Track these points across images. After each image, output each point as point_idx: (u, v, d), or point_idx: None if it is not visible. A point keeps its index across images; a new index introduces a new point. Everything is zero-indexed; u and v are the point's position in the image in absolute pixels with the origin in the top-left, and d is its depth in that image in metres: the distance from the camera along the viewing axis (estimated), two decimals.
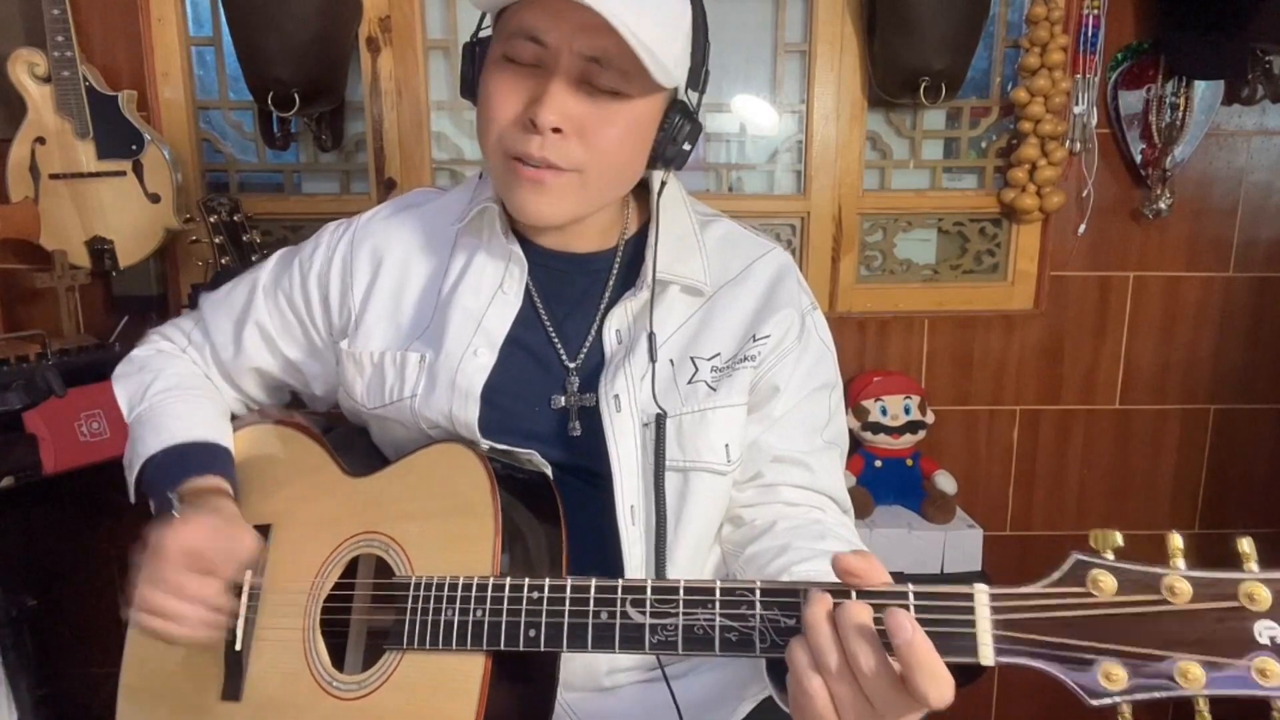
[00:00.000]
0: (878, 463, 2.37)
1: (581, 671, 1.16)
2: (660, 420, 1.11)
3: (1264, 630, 0.65)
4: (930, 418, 2.39)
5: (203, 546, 1.03)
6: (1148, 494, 2.56)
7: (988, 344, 2.48)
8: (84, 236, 2.19)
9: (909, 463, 2.38)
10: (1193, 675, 0.65)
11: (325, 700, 1.02)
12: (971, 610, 0.74)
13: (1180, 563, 0.68)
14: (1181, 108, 2.31)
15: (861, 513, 2.28)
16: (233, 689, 1.08)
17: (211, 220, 2.07)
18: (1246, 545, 0.67)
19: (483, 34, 1.13)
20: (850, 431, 2.27)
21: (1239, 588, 0.65)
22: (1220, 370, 2.50)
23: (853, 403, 2.37)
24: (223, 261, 2.07)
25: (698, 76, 1.11)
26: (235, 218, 2.09)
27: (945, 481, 2.35)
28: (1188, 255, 2.45)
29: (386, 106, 2.32)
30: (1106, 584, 0.69)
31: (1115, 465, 2.55)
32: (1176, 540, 0.69)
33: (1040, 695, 2.56)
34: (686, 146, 1.13)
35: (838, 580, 0.79)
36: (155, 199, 2.20)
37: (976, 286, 2.48)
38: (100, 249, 2.20)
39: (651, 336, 1.14)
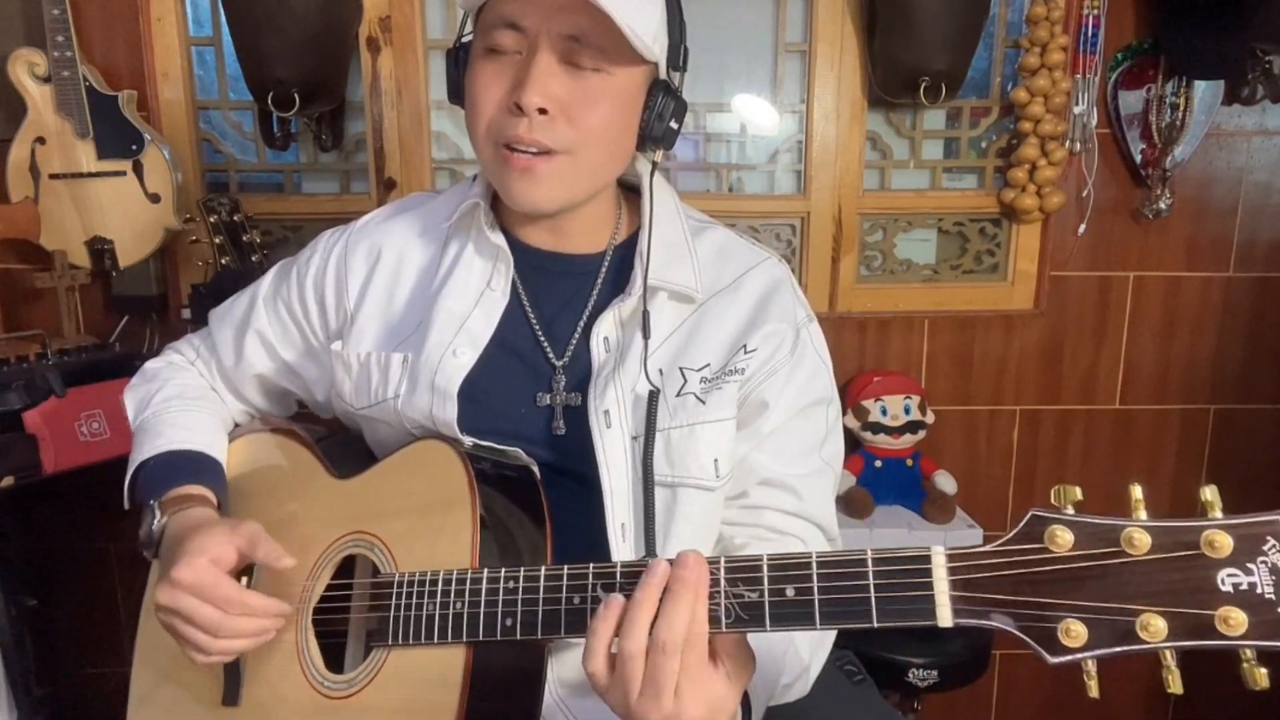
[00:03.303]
0: (878, 463, 2.36)
1: (576, 668, 1.15)
2: (653, 397, 1.09)
3: (1226, 578, 0.63)
4: (930, 418, 2.38)
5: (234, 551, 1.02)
6: (1148, 494, 2.51)
7: (988, 344, 2.47)
8: (84, 236, 2.20)
9: (909, 463, 2.37)
10: (1155, 628, 0.64)
11: (318, 701, 1.02)
12: (929, 572, 0.73)
13: (1141, 514, 0.67)
14: (1181, 108, 2.31)
15: (861, 513, 2.27)
16: (232, 695, 1.09)
17: (211, 220, 2.08)
18: (1210, 494, 0.65)
19: (465, 39, 1.14)
20: (850, 431, 2.28)
21: (1200, 536, 0.64)
22: (1220, 370, 2.50)
23: (853, 403, 2.36)
24: (223, 261, 2.08)
25: (677, 55, 1.12)
26: (235, 218, 2.10)
27: (945, 481, 2.34)
28: (1188, 255, 2.45)
29: (386, 106, 2.33)
30: (1063, 538, 0.68)
31: (1115, 465, 2.54)
32: (1137, 492, 0.68)
33: (1040, 692, 2.54)
34: (674, 124, 1.12)
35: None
36: (155, 199, 2.21)
37: (976, 286, 2.47)
38: (100, 249, 2.20)
39: (645, 314, 1.12)
